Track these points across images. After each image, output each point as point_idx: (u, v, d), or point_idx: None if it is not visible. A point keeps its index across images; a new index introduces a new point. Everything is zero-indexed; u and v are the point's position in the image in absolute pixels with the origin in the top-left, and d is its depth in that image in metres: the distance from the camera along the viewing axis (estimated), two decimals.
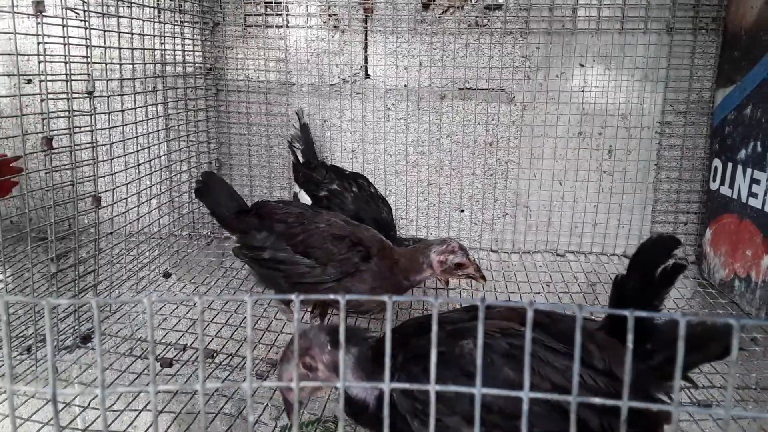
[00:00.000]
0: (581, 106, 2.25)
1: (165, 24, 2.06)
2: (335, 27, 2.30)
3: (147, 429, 1.36)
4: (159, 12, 2.07)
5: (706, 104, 2.20)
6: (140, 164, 1.83)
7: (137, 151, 1.81)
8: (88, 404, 1.38)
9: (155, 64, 2.00)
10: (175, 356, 1.61)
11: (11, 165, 1.53)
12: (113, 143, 1.65)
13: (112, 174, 1.69)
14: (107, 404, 1.44)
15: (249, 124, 2.41)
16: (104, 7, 1.58)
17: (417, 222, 2.41)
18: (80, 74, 1.49)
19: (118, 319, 1.79)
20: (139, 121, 1.87)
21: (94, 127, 1.50)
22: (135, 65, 1.82)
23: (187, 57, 2.20)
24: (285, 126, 2.39)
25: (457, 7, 2.22)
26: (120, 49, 1.69)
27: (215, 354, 1.64)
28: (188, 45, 2.21)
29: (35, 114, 1.39)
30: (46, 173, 1.39)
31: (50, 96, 1.35)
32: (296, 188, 2.10)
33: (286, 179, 2.44)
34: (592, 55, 2.21)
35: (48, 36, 1.33)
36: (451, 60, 2.27)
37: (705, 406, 1.40)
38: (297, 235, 1.56)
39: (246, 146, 2.43)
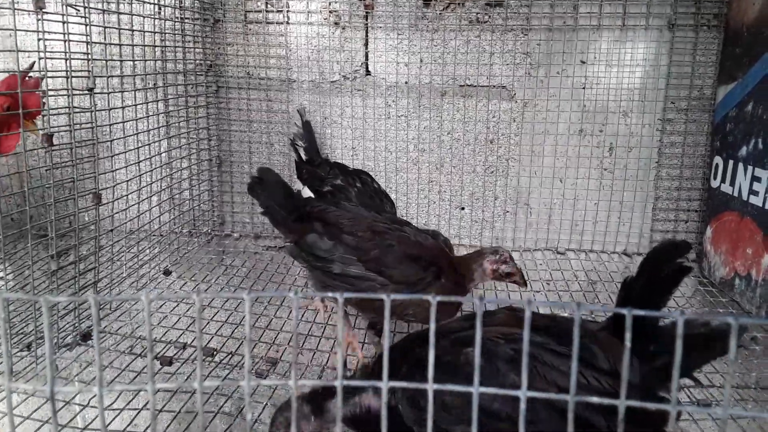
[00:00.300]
0: (582, 103, 2.25)
1: (165, 21, 2.06)
2: (336, 23, 2.29)
3: (147, 427, 1.35)
4: (159, 9, 2.06)
5: (708, 101, 2.19)
6: (141, 161, 1.83)
7: (137, 148, 1.81)
8: (88, 402, 1.38)
9: (155, 60, 2.00)
10: (174, 354, 1.61)
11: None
12: (113, 140, 1.65)
13: (112, 171, 1.69)
14: (107, 402, 1.45)
15: (249, 121, 2.41)
16: (105, 4, 1.58)
17: (417, 219, 2.41)
18: (81, 71, 1.49)
19: (119, 317, 1.79)
20: (140, 118, 1.87)
21: (94, 124, 1.50)
22: (135, 62, 1.81)
23: (187, 54, 2.20)
24: (286, 123, 2.39)
25: (458, 4, 2.22)
26: (120, 45, 1.69)
27: (215, 352, 1.64)
28: (189, 42, 2.21)
29: (35, 110, 1.38)
30: (46, 170, 1.39)
31: (50, 93, 1.35)
32: (299, 186, 2.10)
33: (286, 176, 2.44)
34: (594, 51, 2.21)
35: (48, 33, 1.33)
36: (451, 57, 2.26)
37: (704, 406, 1.40)
38: (369, 250, 1.52)
39: (246, 143, 2.43)
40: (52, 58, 1.34)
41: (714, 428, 1.42)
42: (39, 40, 1.29)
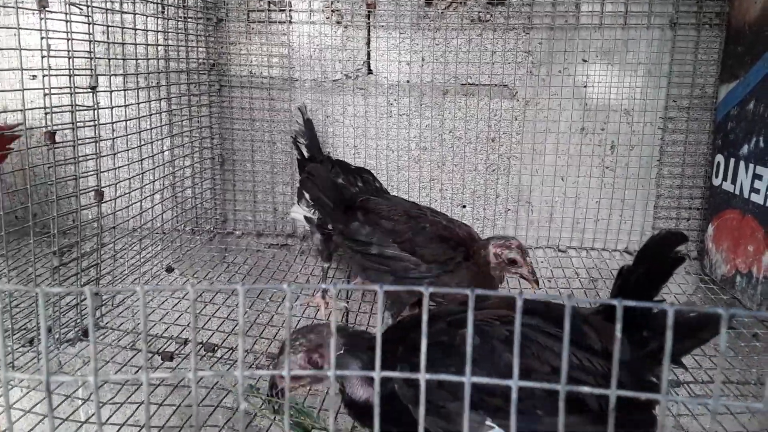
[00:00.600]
0: (584, 102, 2.25)
1: (168, 20, 2.07)
2: (338, 22, 2.30)
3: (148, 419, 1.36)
4: (163, 8, 2.08)
5: (710, 100, 2.19)
6: (143, 159, 1.84)
7: (140, 146, 1.82)
8: (89, 396, 1.39)
9: (158, 59, 2.01)
10: (176, 350, 1.63)
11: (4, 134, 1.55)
12: (116, 138, 1.66)
13: (114, 169, 1.70)
14: (108, 397, 1.46)
15: (252, 119, 2.42)
16: (108, 3, 1.59)
17: None
18: (84, 69, 1.50)
19: (121, 312, 1.80)
20: (142, 117, 1.88)
21: (97, 122, 1.51)
22: (138, 60, 1.82)
23: (190, 53, 2.21)
24: (288, 122, 2.40)
25: (460, 3, 2.22)
26: (123, 44, 1.70)
27: (216, 348, 1.65)
28: (192, 41, 2.22)
29: (38, 108, 1.39)
30: (48, 167, 1.40)
31: (53, 91, 1.36)
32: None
33: (288, 174, 2.45)
34: (595, 50, 2.21)
35: (51, 31, 1.34)
36: (453, 55, 2.27)
37: (696, 397, 1.40)
38: (404, 233, 1.66)
39: (249, 142, 2.44)
40: (55, 57, 1.35)
41: (714, 424, 1.42)
42: (42, 38, 1.30)
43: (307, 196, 1.91)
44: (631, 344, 0.94)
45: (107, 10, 1.62)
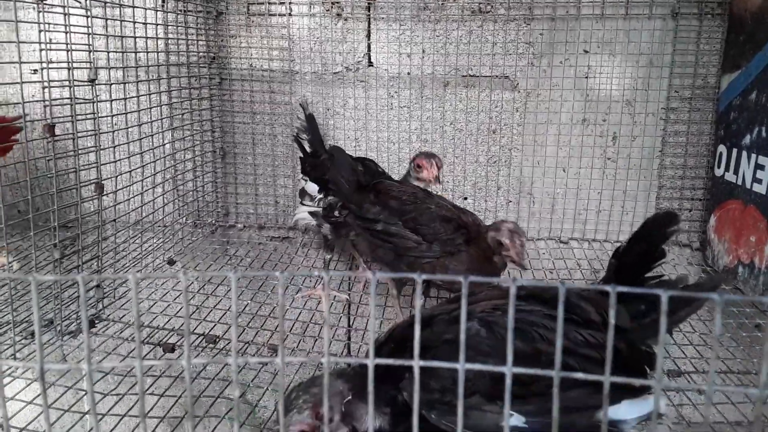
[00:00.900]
0: (585, 93, 2.24)
1: (168, 13, 2.07)
2: (338, 15, 2.30)
3: (149, 410, 1.37)
4: (163, 1, 2.07)
5: (712, 90, 2.18)
6: (144, 152, 1.84)
7: (140, 139, 1.82)
8: (91, 388, 1.39)
9: (158, 52, 2.00)
10: (177, 342, 1.63)
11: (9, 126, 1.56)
12: (116, 130, 1.66)
13: (115, 162, 1.70)
14: (111, 388, 1.47)
15: (253, 113, 2.41)
16: None
17: None
18: (83, 62, 1.50)
19: (123, 304, 1.80)
20: (143, 109, 1.88)
21: (96, 115, 1.51)
22: (138, 53, 1.82)
23: (190, 46, 2.21)
24: (289, 114, 2.40)
25: None
26: (123, 37, 1.70)
27: (217, 339, 1.65)
28: (192, 34, 2.22)
29: (38, 101, 1.40)
30: (48, 160, 1.40)
31: (53, 84, 1.36)
32: (303, 183, 2.10)
33: (290, 167, 2.45)
34: (597, 41, 2.20)
35: (50, 24, 1.34)
36: (454, 47, 2.26)
37: (692, 385, 1.40)
38: (409, 212, 1.69)
39: (250, 135, 2.44)
40: (57, 50, 1.35)
41: (716, 414, 1.42)
42: (41, 31, 1.30)
43: (326, 177, 1.92)
44: (630, 315, 0.96)
45: (106, 3, 1.61)
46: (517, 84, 2.27)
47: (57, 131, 1.41)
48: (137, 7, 1.83)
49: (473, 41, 2.24)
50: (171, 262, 2.10)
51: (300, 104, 2.27)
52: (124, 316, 1.74)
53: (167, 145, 2.13)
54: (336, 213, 1.91)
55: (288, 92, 2.38)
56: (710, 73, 2.18)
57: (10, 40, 1.70)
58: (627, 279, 1.00)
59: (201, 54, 2.29)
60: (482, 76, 2.28)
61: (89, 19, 1.47)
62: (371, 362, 0.54)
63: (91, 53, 1.46)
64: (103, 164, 1.64)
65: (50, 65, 1.33)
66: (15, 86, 2.18)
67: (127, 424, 1.34)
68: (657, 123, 2.24)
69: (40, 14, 1.30)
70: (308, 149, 2.16)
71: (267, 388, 1.47)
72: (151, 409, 1.40)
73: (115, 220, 1.79)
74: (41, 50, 1.31)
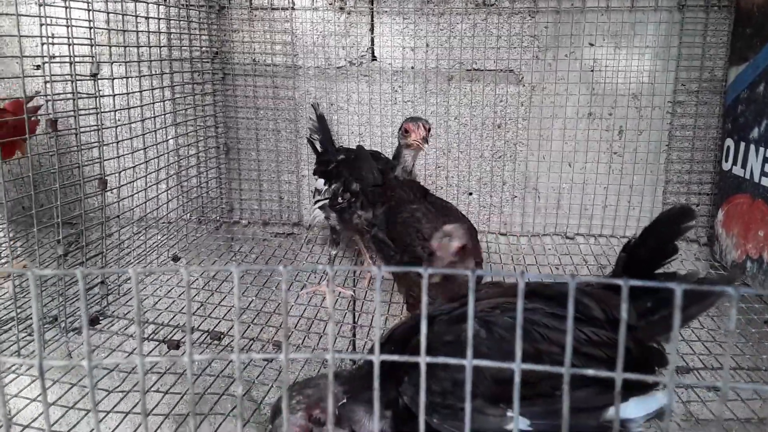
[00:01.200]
0: (591, 86, 2.22)
1: (170, 7, 2.06)
2: (341, 8, 2.28)
3: (153, 408, 1.37)
4: None
5: (719, 83, 2.16)
6: (147, 147, 1.83)
7: (143, 134, 1.81)
8: (95, 384, 1.39)
9: (161, 47, 1.99)
10: (182, 338, 1.63)
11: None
12: (119, 125, 1.65)
13: (118, 157, 1.70)
14: (116, 385, 1.46)
15: (256, 108, 2.40)
16: None
17: None
18: (85, 56, 1.49)
19: (127, 301, 1.80)
20: (146, 105, 1.87)
21: (99, 110, 1.50)
22: (140, 47, 1.81)
23: (193, 41, 2.20)
24: (292, 110, 2.38)
25: None
26: (125, 32, 1.69)
27: (222, 336, 1.64)
28: (194, 29, 2.20)
29: (40, 95, 1.39)
30: (51, 155, 1.39)
31: (55, 78, 1.35)
32: (315, 182, 2.12)
33: (293, 163, 2.44)
34: (602, 33, 2.17)
35: (51, 18, 1.33)
36: (458, 41, 2.24)
37: (712, 387, 1.39)
38: (392, 220, 1.63)
39: (254, 130, 2.43)
40: (55, 44, 1.34)
41: (725, 411, 1.41)
42: (42, 25, 1.29)
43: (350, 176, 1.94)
44: (636, 313, 0.94)
45: None
46: (522, 78, 2.25)
47: (60, 127, 1.41)
48: (139, 1, 1.82)
49: (477, 34, 2.22)
50: (175, 259, 2.10)
51: (312, 105, 2.28)
52: (128, 312, 1.74)
53: (171, 141, 2.13)
54: (339, 199, 1.93)
55: (291, 87, 2.37)
56: (717, 65, 2.15)
57: (11, 34, 1.69)
58: (637, 275, 0.98)
59: (204, 49, 2.27)
60: (487, 70, 2.26)
61: (91, 13, 1.45)
62: (377, 358, 0.52)
63: (93, 47, 1.45)
64: (106, 160, 1.63)
65: (52, 60, 1.32)
66: (19, 81, 2.17)
67: (132, 421, 1.33)
68: (663, 117, 2.22)
69: (41, 8, 1.29)
70: (319, 149, 2.18)
71: (272, 385, 1.46)
72: (156, 406, 1.39)
73: (118, 216, 1.78)
74: (43, 44, 1.30)
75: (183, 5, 2.13)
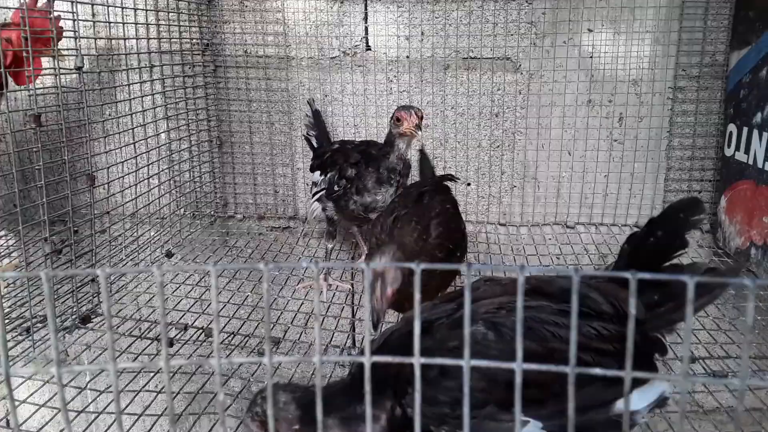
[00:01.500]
0: (590, 73, 2.18)
1: None
2: None
3: (147, 407, 1.34)
4: None
5: (720, 68, 2.12)
6: (137, 142, 1.79)
7: (133, 129, 1.76)
8: (86, 386, 1.36)
9: (149, 39, 1.94)
10: (176, 336, 1.59)
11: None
12: (106, 120, 1.61)
13: (106, 152, 1.66)
14: (110, 384, 1.43)
15: (249, 100, 2.36)
16: None
17: None
18: (70, 49, 1.45)
19: (120, 299, 1.76)
20: (134, 98, 1.82)
21: (85, 104, 1.46)
22: (127, 40, 1.77)
23: (183, 33, 2.15)
24: (286, 101, 2.34)
25: None
26: (111, 23, 1.64)
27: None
28: (184, 20, 2.16)
29: (23, 90, 1.35)
30: (34, 151, 1.35)
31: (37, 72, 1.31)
32: (313, 177, 2.08)
33: (288, 156, 2.40)
34: (601, 19, 2.13)
35: (32, 10, 1.29)
36: (454, 29, 2.19)
37: (719, 377, 1.35)
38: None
39: (247, 123, 2.38)
40: (37, 36, 1.30)
41: (730, 399, 1.38)
42: (22, 17, 1.25)
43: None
44: (643, 306, 0.91)
45: None
46: (520, 65, 2.21)
47: (42, 121, 1.36)
48: None
49: (473, 22, 2.18)
50: (169, 255, 2.06)
51: (308, 102, 2.25)
52: (120, 311, 1.70)
53: (162, 135, 2.08)
54: (335, 187, 1.91)
55: (284, 78, 2.32)
56: (718, 50, 2.11)
57: None
58: (642, 267, 0.94)
59: (194, 41, 2.23)
60: (483, 58, 2.21)
61: (74, 4, 1.41)
62: (367, 361, 0.49)
63: (77, 40, 1.41)
64: (95, 155, 1.59)
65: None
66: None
67: (127, 422, 1.30)
68: (664, 103, 2.18)
69: None
70: (315, 144, 2.15)
71: (267, 383, 1.43)
72: (149, 406, 1.36)
73: (108, 212, 1.74)
74: (25, 38, 1.26)
75: None
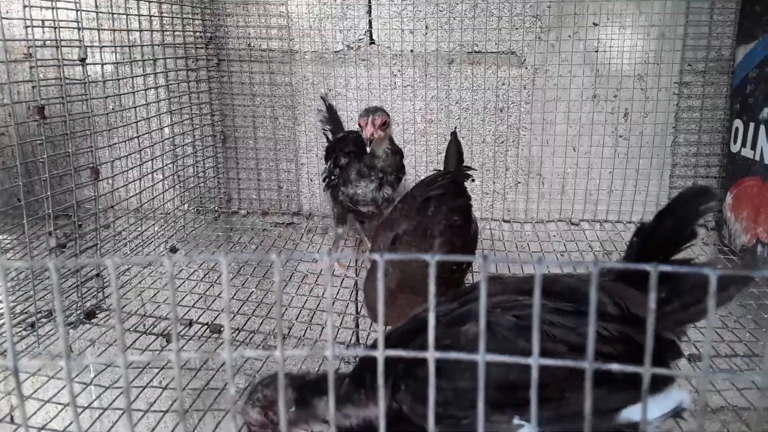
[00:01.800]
0: (595, 68, 2.17)
1: None
2: None
3: (153, 403, 1.33)
4: None
5: (726, 63, 2.10)
6: (141, 135, 1.78)
7: (136, 122, 1.76)
8: (90, 381, 1.35)
9: (152, 31, 1.93)
10: (181, 331, 1.59)
11: None
12: (109, 113, 1.60)
13: (110, 146, 1.65)
14: (112, 381, 1.42)
15: (252, 94, 2.35)
16: None
17: None
18: (73, 40, 1.44)
19: (124, 294, 1.76)
20: (138, 91, 1.81)
21: (88, 96, 1.45)
22: (130, 32, 1.76)
23: (186, 26, 2.14)
24: (289, 96, 2.33)
25: None
26: (114, 14, 1.63)
27: (221, 329, 1.60)
28: (187, 13, 2.14)
29: (26, 81, 1.34)
30: (38, 144, 1.34)
31: (40, 63, 1.30)
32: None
33: (291, 151, 2.39)
34: (606, 13, 2.12)
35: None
36: (458, 22, 2.18)
37: (741, 373, 1.34)
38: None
39: (250, 118, 2.37)
40: (39, 27, 1.29)
41: (736, 398, 1.37)
42: (25, 7, 1.24)
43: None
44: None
45: None
46: (525, 60, 2.20)
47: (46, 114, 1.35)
48: None
49: (478, 15, 2.16)
50: (173, 250, 2.05)
51: (321, 96, 2.24)
52: (125, 306, 1.70)
53: (166, 129, 2.08)
54: (332, 176, 1.92)
55: (288, 72, 2.31)
56: (724, 45, 2.10)
57: None
58: (650, 261, 0.92)
59: (197, 34, 2.22)
60: (488, 53, 2.20)
61: None
62: (381, 355, 0.48)
63: (80, 31, 1.40)
64: (98, 148, 1.58)
65: (36, 43, 1.27)
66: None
67: (134, 416, 1.29)
68: (670, 98, 2.16)
69: None
70: (331, 138, 2.14)
71: None
72: (154, 402, 1.35)
73: (113, 207, 1.74)
74: (26, 27, 1.25)
75: None
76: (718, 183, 2.17)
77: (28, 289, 1.64)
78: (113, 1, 1.66)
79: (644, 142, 2.20)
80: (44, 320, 1.55)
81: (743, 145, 1.95)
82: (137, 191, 1.87)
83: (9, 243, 1.95)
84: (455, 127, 1.98)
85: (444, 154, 1.82)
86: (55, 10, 1.33)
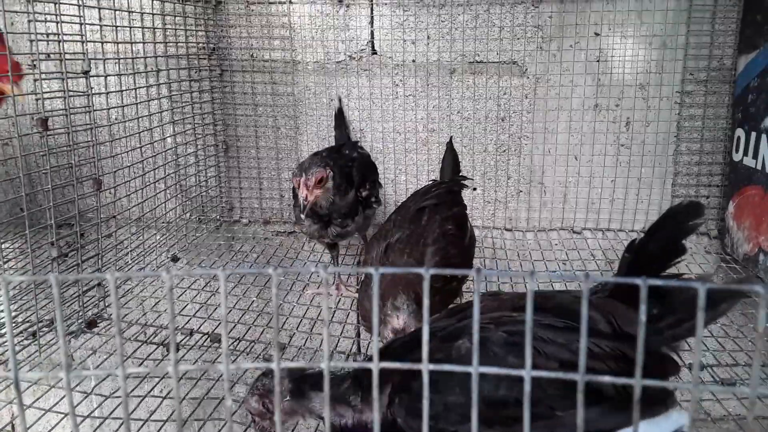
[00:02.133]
0: (597, 77, 2.17)
1: (165, 2, 2.01)
2: (339, 1, 2.23)
3: (153, 412, 1.33)
4: None
5: (728, 72, 2.11)
6: (143, 146, 1.79)
7: (139, 133, 1.77)
8: (91, 391, 1.36)
9: (156, 43, 1.95)
10: (181, 341, 1.59)
11: None
12: (113, 124, 1.61)
13: (113, 156, 1.66)
14: (117, 388, 1.43)
15: (255, 104, 2.36)
16: None
17: None
18: (76, 53, 1.45)
19: (125, 303, 1.76)
20: (141, 102, 1.83)
21: (91, 108, 1.46)
22: (134, 44, 1.77)
23: (189, 37, 2.16)
24: (291, 106, 2.34)
25: None
26: (117, 27, 1.65)
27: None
28: (190, 24, 2.16)
29: (29, 94, 1.35)
30: (41, 155, 1.36)
31: (44, 77, 1.31)
32: None
33: (293, 160, 2.40)
34: (608, 23, 2.12)
35: (39, 14, 1.29)
36: (460, 32, 2.19)
37: (728, 385, 1.34)
38: None
39: (253, 127, 2.38)
40: (43, 40, 1.30)
41: (737, 407, 1.36)
42: (29, 21, 1.25)
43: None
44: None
45: None
46: (526, 69, 2.20)
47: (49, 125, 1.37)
48: None
49: (480, 26, 2.18)
50: (175, 259, 2.06)
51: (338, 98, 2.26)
52: (126, 315, 1.70)
53: (168, 139, 2.09)
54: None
55: (290, 83, 2.32)
56: (726, 54, 2.10)
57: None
58: (641, 276, 0.91)
59: (200, 45, 2.23)
60: (490, 62, 2.21)
61: (81, 8, 1.41)
62: (375, 367, 0.48)
63: (84, 44, 1.41)
64: (101, 159, 1.59)
65: (41, 56, 1.28)
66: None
67: (132, 428, 1.30)
68: (672, 107, 2.17)
69: (29, 4, 1.25)
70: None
71: None
72: (154, 411, 1.36)
73: (115, 217, 1.75)
74: (31, 41, 1.26)
75: (179, 0, 2.09)
76: (720, 192, 2.17)
77: (30, 299, 1.65)
78: (117, 14, 1.67)
79: (646, 151, 2.20)
80: (46, 329, 1.56)
81: (745, 154, 1.95)
82: (139, 201, 1.88)
83: (12, 252, 1.96)
84: (450, 137, 1.98)
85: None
86: (59, 24, 1.35)
